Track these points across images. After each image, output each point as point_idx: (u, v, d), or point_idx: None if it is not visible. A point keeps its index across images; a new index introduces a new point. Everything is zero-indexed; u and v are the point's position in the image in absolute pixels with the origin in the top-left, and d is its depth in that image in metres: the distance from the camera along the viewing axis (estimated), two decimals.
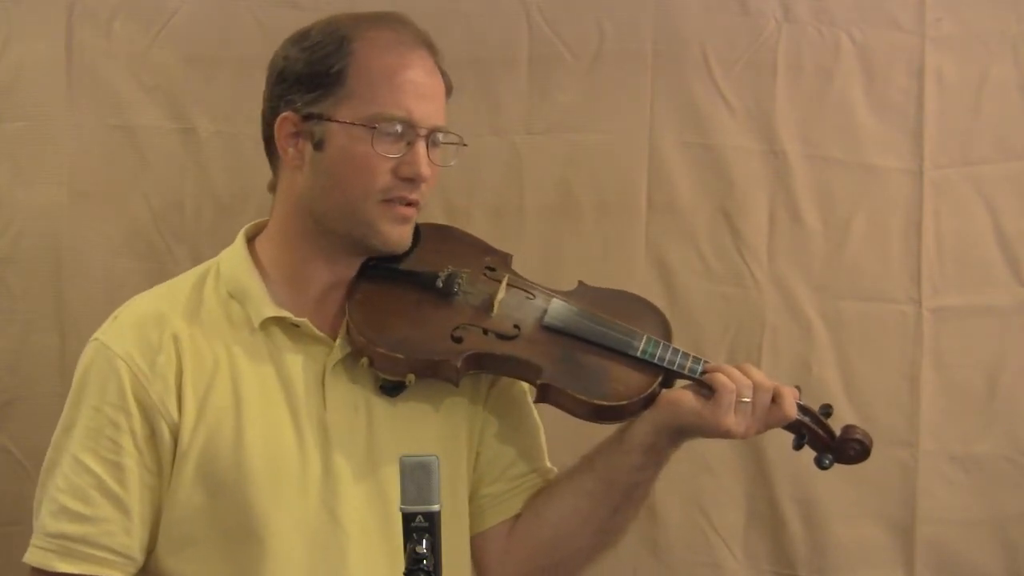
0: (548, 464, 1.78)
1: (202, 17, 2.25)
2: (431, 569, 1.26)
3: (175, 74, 2.25)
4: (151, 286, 2.19)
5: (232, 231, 2.23)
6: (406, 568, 1.26)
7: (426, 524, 1.27)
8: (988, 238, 2.32)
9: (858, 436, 1.67)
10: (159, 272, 2.23)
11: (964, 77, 2.32)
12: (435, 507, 1.27)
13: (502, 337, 1.65)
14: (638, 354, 1.64)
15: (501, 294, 1.68)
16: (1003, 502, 2.31)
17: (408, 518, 1.27)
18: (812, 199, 2.32)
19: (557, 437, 1.80)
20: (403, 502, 1.27)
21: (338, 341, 1.63)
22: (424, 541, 1.26)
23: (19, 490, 2.21)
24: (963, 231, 2.32)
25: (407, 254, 1.68)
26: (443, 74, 1.67)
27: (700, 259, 2.31)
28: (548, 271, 2.07)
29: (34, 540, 1.57)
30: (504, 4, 2.28)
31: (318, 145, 1.60)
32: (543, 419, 1.77)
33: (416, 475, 1.27)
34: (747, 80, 2.31)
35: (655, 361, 1.64)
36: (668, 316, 2.27)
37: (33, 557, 1.57)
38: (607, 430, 1.69)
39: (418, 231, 1.69)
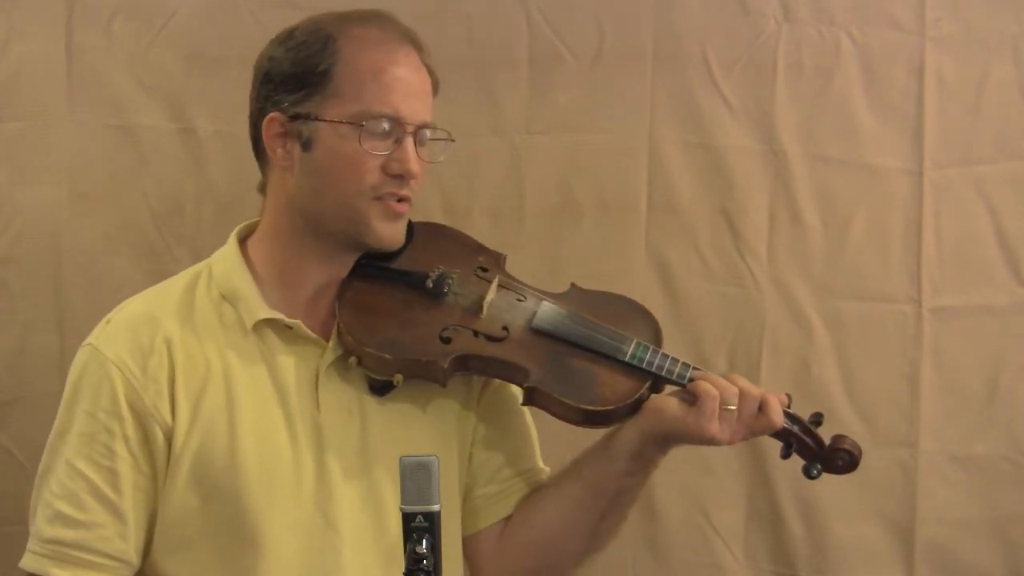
0: (541, 465, 1.78)
1: (202, 17, 2.25)
2: (431, 569, 1.26)
3: (175, 74, 2.25)
4: (151, 286, 2.20)
5: (232, 231, 2.25)
6: (406, 568, 1.26)
7: (426, 524, 1.27)
8: (988, 238, 2.32)
9: (846, 447, 1.64)
10: (159, 272, 2.23)
11: (964, 77, 2.32)
12: (435, 507, 1.27)
13: (490, 339, 1.64)
14: (626, 359, 1.63)
15: (490, 295, 1.67)
16: (1003, 502, 2.31)
17: (408, 518, 1.27)
18: (812, 199, 2.32)
19: (552, 438, 1.79)
20: (403, 502, 1.27)
21: (331, 342, 1.62)
22: (424, 541, 1.26)
23: (19, 490, 2.21)
24: (963, 231, 2.32)
25: (399, 253, 1.67)
26: (430, 71, 1.66)
27: (700, 259, 2.31)
28: (548, 271, 2.08)
29: (30, 545, 1.57)
30: (504, 4, 2.28)
31: (306, 145, 1.60)
32: (538, 421, 1.76)
33: (416, 475, 1.28)
34: (747, 80, 2.31)
35: (643, 366, 1.62)
36: (668, 317, 2.29)
37: (29, 562, 1.56)
38: (598, 433, 1.68)
39: (411, 229, 1.68)
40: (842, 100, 2.32)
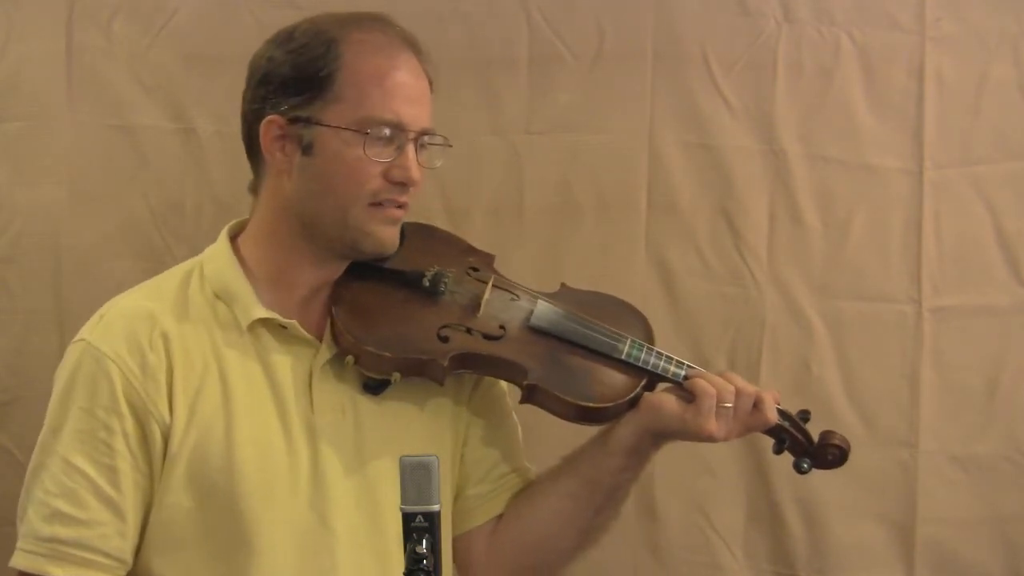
0: (527, 463, 1.78)
1: (202, 17, 2.25)
2: (431, 569, 1.26)
3: (175, 74, 2.25)
4: None
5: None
6: (406, 568, 1.26)
7: (426, 524, 1.27)
8: (988, 238, 2.32)
9: (836, 442, 1.68)
10: (159, 272, 2.23)
11: (964, 77, 2.32)
12: (435, 507, 1.27)
13: (488, 337, 1.65)
14: (623, 357, 1.65)
15: (487, 294, 1.68)
16: (1003, 502, 2.31)
17: (408, 518, 1.27)
18: (812, 199, 2.32)
19: (543, 438, 1.79)
20: (403, 502, 1.27)
21: (324, 342, 1.62)
22: (424, 541, 1.26)
23: (19, 490, 2.21)
24: (963, 231, 2.32)
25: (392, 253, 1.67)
26: (427, 75, 1.65)
27: (700, 259, 2.31)
28: (548, 271, 2.07)
29: (22, 544, 1.53)
30: (504, 4, 2.28)
31: (307, 149, 1.58)
32: (533, 422, 1.77)
33: (416, 475, 1.27)
34: (747, 80, 2.31)
35: (639, 364, 1.65)
36: (668, 317, 2.29)
37: (22, 561, 1.53)
38: (590, 430, 1.69)
39: (401, 230, 1.68)
40: (842, 100, 2.32)
